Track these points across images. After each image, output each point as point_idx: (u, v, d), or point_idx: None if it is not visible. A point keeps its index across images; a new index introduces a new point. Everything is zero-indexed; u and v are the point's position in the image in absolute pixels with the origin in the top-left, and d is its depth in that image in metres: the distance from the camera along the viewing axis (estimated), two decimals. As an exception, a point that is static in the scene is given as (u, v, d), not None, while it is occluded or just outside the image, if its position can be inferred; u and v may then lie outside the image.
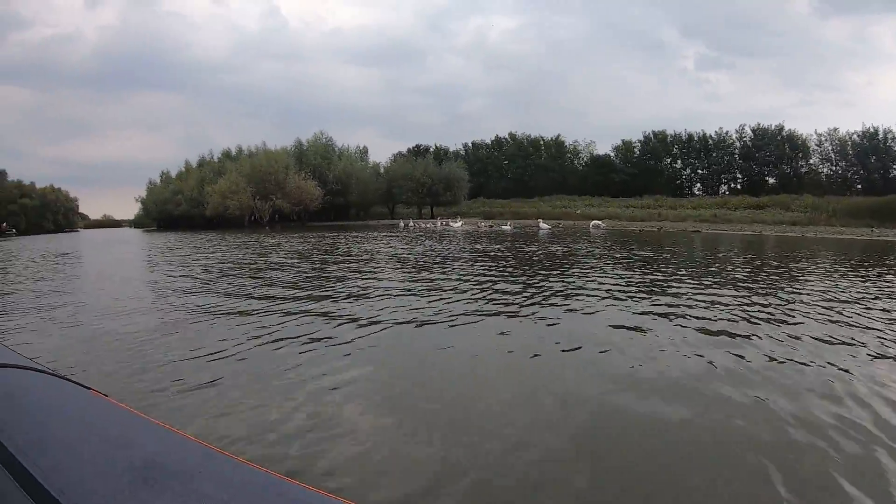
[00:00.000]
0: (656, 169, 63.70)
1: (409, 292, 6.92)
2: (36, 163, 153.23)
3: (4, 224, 62.43)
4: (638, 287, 7.30)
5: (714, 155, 63.13)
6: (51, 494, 0.59)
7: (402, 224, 38.73)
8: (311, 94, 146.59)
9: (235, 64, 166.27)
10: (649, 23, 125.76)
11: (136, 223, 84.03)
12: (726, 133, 62.86)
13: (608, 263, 10.69)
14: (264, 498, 0.59)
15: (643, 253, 13.19)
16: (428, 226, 36.94)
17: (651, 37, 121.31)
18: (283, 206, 49.21)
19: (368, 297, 6.52)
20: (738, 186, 61.49)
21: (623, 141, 66.59)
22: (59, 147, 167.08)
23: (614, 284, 7.53)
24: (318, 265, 11.11)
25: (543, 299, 6.24)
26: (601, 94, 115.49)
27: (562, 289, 7.08)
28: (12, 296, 7.70)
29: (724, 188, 63.22)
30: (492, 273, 8.97)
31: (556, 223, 36.98)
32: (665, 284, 7.53)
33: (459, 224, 34.60)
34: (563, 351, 4.04)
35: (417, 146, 72.33)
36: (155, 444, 0.70)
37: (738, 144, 62.56)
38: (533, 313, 5.42)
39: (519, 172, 67.16)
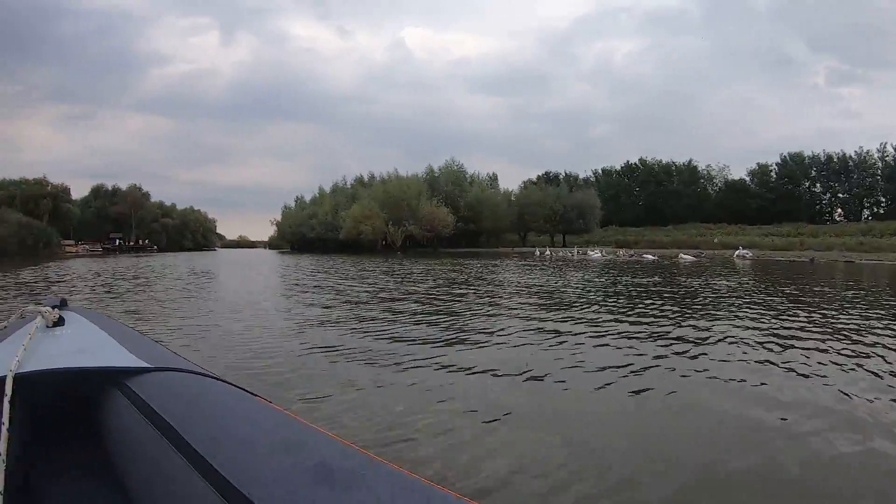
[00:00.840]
0: (794, 194, 58.20)
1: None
2: (177, 186, 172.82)
3: (147, 241, 68.40)
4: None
5: (854, 177, 56.47)
6: (239, 491, 0.62)
7: (537, 252, 36.43)
8: (438, 122, 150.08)
9: (364, 94, 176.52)
10: (775, 39, 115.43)
11: (270, 244, 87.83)
12: (867, 152, 55.97)
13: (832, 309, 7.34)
14: None
15: (834, 291, 10.22)
16: (563, 254, 35.25)
17: (778, 53, 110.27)
18: (416, 232, 47.82)
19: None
20: (882, 210, 54.30)
21: (758, 164, 61.77)
22: (199, 171, 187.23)
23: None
24: (485, 295, 9.26)
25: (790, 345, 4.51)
26: (729, 115, 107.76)
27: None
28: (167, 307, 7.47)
29: (866, 212, 56.35)
30: (690, 312, 6.84)
31: (699, 252, 34.55)
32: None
33: (598, 253, 32.62)
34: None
35: (547, 173, 69.38)
36: (321, 447, 0.71)
37: (880, 164, 55.51)
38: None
39: (651, 199, 63.37)
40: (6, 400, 0.95)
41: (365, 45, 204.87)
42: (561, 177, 66.97)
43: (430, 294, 9.30)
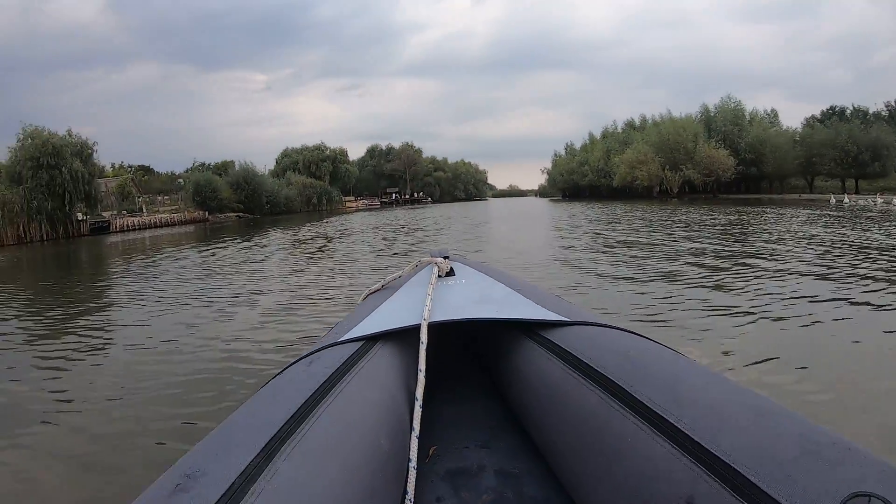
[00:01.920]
0: None
1: None
2: (447, 142, 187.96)
3: (421, 193, 74.76)
4: None
5: None
6: (714, 454, 0.57)
7: (833, 200, 31.00)
8: (703, 59, 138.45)
9: (623, 38, 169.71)
10: None
11: (540, 193, 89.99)
12: None
13: None
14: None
15: None
16: (864, 203, 28.27)
17: None
18: (693, 177, 46.27)
19: None
20: None
21: None
22: (467, 126, 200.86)
23: None
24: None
25: None
26: None
27: None
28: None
29: None
30: None
31: None
32: None
33: (904, 202, 25.24)
34: None
35: (832, 108, 59.17)
36: (786, 417, 0.62)
37: None
38: None
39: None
40: (423, 347, 0.99)
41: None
42: (848, 111, 56.89)
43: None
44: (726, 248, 8.73)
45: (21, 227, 24.19)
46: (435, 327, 1.06)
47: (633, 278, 6.03)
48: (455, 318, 1.09)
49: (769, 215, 18.23)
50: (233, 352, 3.72)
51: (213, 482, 0.56)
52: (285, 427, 0.68)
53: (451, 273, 1.43)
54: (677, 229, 13.14)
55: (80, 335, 4.61)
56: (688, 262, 7.13)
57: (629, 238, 11.26)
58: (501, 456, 1.04)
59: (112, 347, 4.23)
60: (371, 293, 1.51)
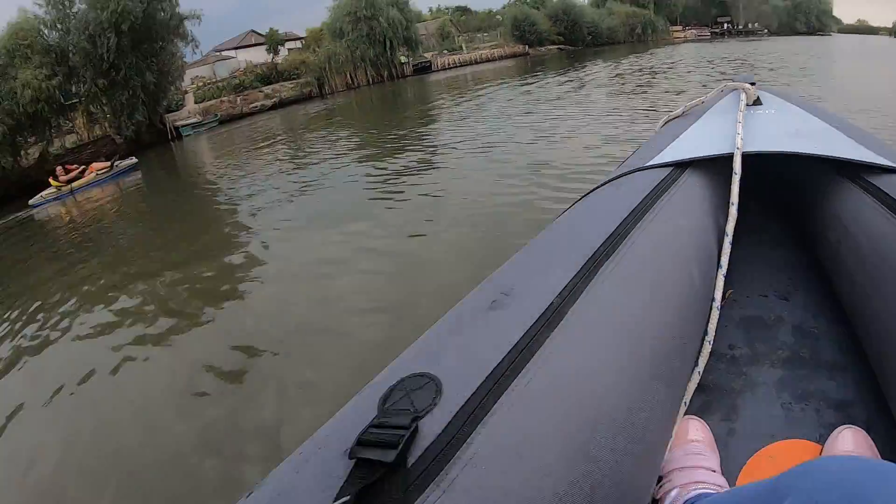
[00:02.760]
0: None
1: None
2: None
3: (756, 24, 63.05)
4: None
5: None
6: None
7: None
8: None
9: None
10: None
11: None
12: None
13: None
14: None
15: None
16: None
17: None
18: None
19: None
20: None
21: None
22: None
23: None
24: None
25: None
26: None
27: None
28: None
29: None
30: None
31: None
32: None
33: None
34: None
35: None
36: None
37: None
38: None
39: None
40: (736, 178, 0.93)
41: None
42: None
43: None
44: None
45: (348, 75, 27.29)
46: (744, 159, 0.99)
47: None
48: (770, 149, 1.01)
49: None
50: (551, 168, 4.32)
51: (530, 301, 0.59)
52: (601, 249, 0.70)
53: (758, 102, 1.32)
54: None
55: (420, 151, 5.90)
56: None
57: None
58: (801, 311, 0.98)
59: (446, 157, 5.44)
60: (671, 119, 1.48)
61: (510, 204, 3.89)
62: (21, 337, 3.74)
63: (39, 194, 12.04)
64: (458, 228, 3.67)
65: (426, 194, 4.62)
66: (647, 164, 1.02)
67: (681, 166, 1.00)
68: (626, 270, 0.67)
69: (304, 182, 6.27)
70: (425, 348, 0.58)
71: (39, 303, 4.41)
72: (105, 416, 2.55)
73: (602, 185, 1.01)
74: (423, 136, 6.64)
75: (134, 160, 13.65)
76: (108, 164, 12.95)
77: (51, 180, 12.23)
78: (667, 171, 0.98)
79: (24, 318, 4.13)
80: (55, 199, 11.74)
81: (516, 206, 3.80)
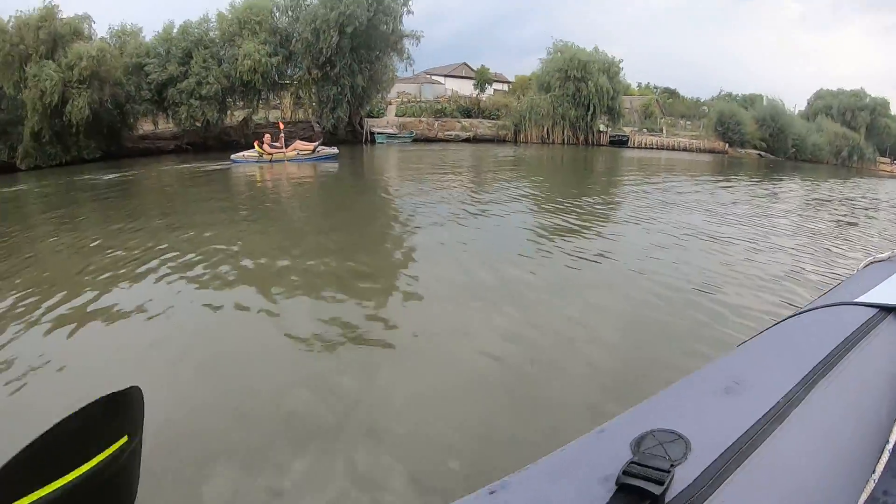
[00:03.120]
0: None
1: None
2: None
3: None
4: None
5: None
6: None
7: None
8: None
9: None
10: None
11: None
12: None
13: None
14: None
15: None
16: None
17: None
18: None
19: None
20: None
21: None
22: None
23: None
24: None
25: None
26: None
27: None
28: None
29: None
30: None
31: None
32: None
33: None
34: None
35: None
36: None
37: None
38: None
39: None
40: None
41: None
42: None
43: None
44: None
45: (545, 129, 26.65)
46: None
47: None
48: None
49: None
50: (716, 290, 3.74)
51: (763, 390, 0.67)
52: (820, 365, 0.74)
53: None
54: None
55: (595, 222, 5.87)
56: None
57: None
58: None
59: (615, 242, 5.03)
60: (874, 262, 1.41)
61: (653, 321, 3.25)
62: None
63: (242, 153, 13.13)
64: (601, 314, 3.33)
65: (590, 260, 4.41)
66: (847, 301, 1.01)
67: (887, 309, 0.95)
68: (839, 394, 0.71)
69: (473, 215, 6.24)
70: (671, 406, 0.68)
71: (207, 233, 5.41)
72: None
73: (797, 314, 1.00)
74: (602, 209, 6.64)
75: (335, 150, 13.88)
76: (312, 146, 13.42)
77: (255, 144, 13.03)
78: (871, 311, 0.94)
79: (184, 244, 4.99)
80: (255, 161, 12.63)
81: (660, 323, 3.20)
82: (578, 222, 5.94)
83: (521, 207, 6.90)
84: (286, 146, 13.25)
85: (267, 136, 13.50)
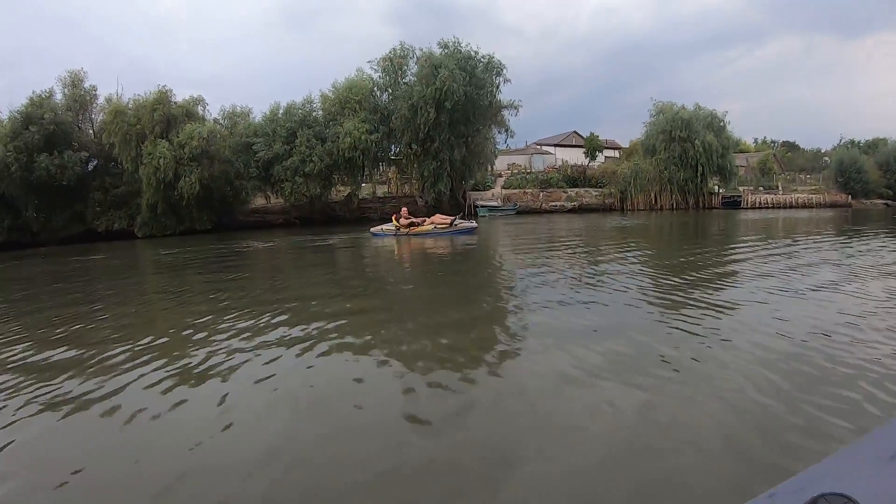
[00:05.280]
0: None
1: None
2: None
3: None
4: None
5: None
6: None
7: None
8: None
9: None
10: None
11: None
12: None
13: None
14: None
15: None
16: None
17: None
18: None
19: None
20: None
21: None
22: None
23: None
24: None
25: None
26: None
27: None
28: None
29: None
30: None
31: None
32: None
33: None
34: None
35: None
36: None
37: None
38: None
39: None
40: None
41: None
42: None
43: None
44: None
45: (652, 195, 25.39)
46: None
47: None
48: None
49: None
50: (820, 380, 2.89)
51: None
52: None
53: None
54: None
55: (704, 295, 4.89)
56: None
57: None
58: None
59: (722, 320, 4.13)
60: None
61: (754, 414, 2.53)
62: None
63: (380, 226, 13.74)
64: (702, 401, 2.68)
65: (698, 335, 3.80)
66: None
67: None
68: None
69: (579, 290, 5.71)
70: (840, 470, 0.67)
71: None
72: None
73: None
74: (713, 281, 5.78)
75: (474, 224, 14.03)
76: (449, 220, 13.48)
77: (394, 218, 13.55)
78: None
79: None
80: (392, 234, 13.10)
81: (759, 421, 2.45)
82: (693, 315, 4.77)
83: (631, 284, 5.90)
84: (423, 221, 13.55)
85: (404, 209, 14.06)
